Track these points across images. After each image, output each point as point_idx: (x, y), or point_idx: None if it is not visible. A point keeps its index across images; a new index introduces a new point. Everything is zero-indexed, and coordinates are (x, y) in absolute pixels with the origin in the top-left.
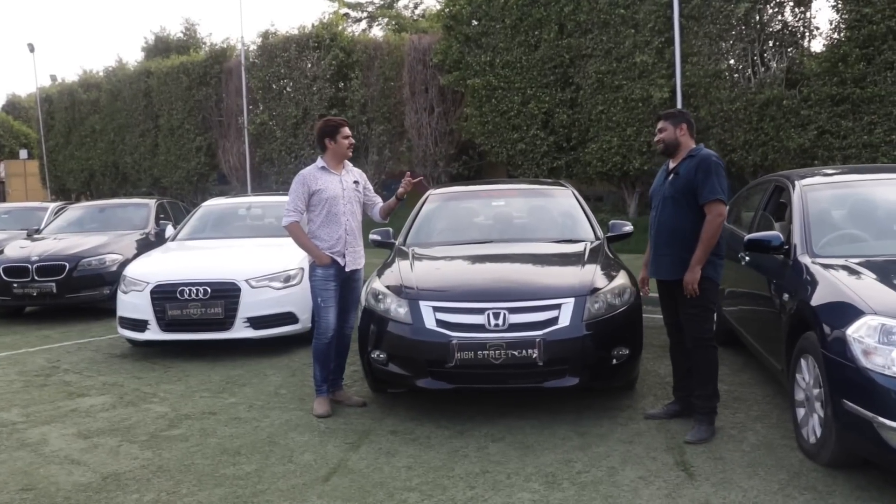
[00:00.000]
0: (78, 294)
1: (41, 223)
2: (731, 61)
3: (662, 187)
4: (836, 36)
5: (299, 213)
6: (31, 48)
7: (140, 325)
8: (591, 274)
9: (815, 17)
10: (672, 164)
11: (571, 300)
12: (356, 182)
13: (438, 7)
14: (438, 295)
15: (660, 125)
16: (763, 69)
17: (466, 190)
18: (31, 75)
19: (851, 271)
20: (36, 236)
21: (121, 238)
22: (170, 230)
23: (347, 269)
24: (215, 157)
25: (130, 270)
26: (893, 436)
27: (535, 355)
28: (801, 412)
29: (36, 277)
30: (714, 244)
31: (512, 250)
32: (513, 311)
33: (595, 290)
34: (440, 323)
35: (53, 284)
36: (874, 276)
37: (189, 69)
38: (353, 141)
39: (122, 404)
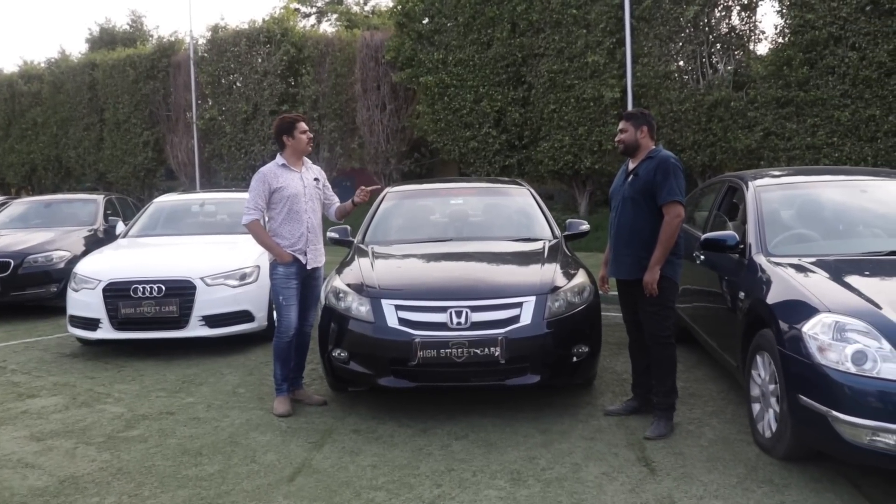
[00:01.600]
0: (23, 292)
1: None
2: (681, 63)
3: (622, 188)
4: (780, 40)
5: (259, 210)
6: None
7: (92, 324)
8: (552, 272)
9: (760, 22)
10: (632, 165)
11: (532, 298)
12: (316, 179)
13: (390, 4)
14: (400, 293)
15: (621, 125)
16: (711, 71)
17: (424, 188)
18: None
19: (805, 270)
20: None
21: (68, 234)
22: (120, 226)
23: (309, 267)
24: (163, 152)
25: (81, 268)
26: (846, 429)
27: (497, 353)
28: (756, 407)
29: None
30: (672, 245)
31: (472, 248)
32: (475, 309)
33: (555, 289)
34: (402, 321)
35: None
36: (827, 275)
37: (136, 62)
38: (311, 135)
39: (76, 405)
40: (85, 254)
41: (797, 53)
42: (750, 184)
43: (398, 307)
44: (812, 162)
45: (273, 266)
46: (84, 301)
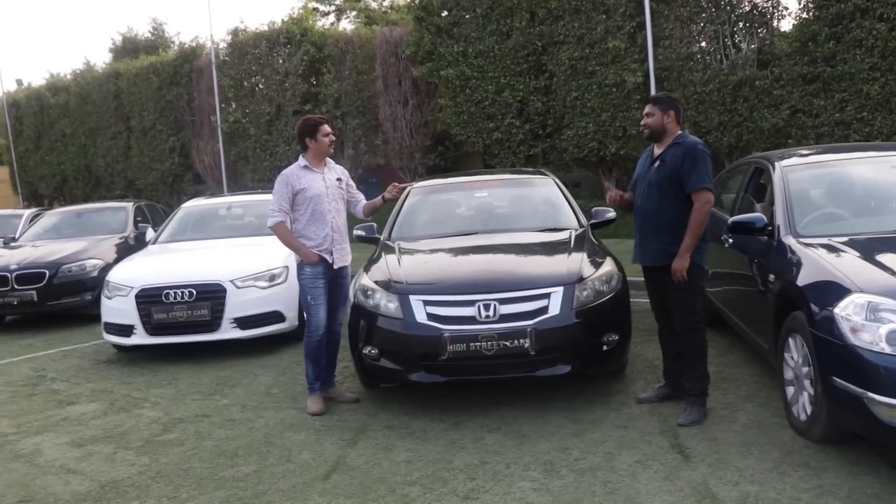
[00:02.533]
0: (59, 301)
1: (17, 231)
2: (703, 44)
3: (647, 174)
4: (805, 15)
5: (284, 213)
6: None
7: (126, 330)
8: (579, 262)
9: None
10: (657, 151)
11: (560, 289)
12: (339, 179)
13: None
14: (428, 288)
15: (647, 109)
16: (734, 51)
17: (448, 182)
18: None
19: (835, 250)
20: (13, 244)
21: (100, 243)
22: (150, 233)
23: (336, 267)
24: (189, 157)
25: (114, 275)
26: (882, 410)
27: (526, 345)
28: (790, 390)
29: (16, 286)
30: (702, 232)
31: (498, 241)
32: (503, 301)
33: (583, 278)
34: (431, 316)
35: (34, 292)
36: (858, 255)
37: (159, 69)
38: (333, 138)
39: (114, 410)
40: (117, 261)
41: (822, 28)
42: (776, 164)
43: (426, 302)
44: (842, 138)
45: (300, 266)
46: (117, 308)
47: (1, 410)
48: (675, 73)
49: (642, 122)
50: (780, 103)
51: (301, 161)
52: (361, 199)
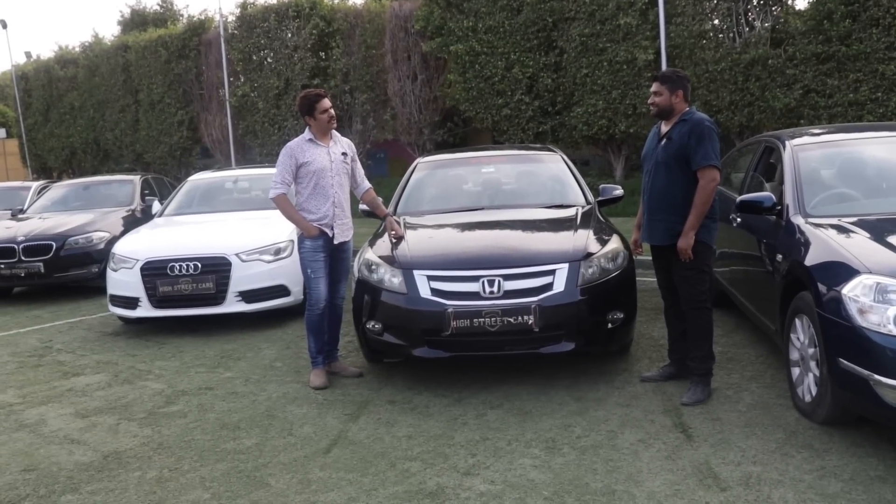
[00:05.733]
0: (66, 273)
1: (25, 203)
2: (716, 21)
3: (655, 152)
4: None
5: (286, 185)
6: (4, 25)
7: (131, 303)
8: (585, 239)
9: None
10: (664, 128)
11: (566, 265)
12: (344, 154)
13: None
14: (432, 263)
15: (655, 87)
16: (748, 29)
17: (455, 157)
18: (4, 53)
19: (844, 230)
20: (21, 216)
21: (107, 215)
22: (156, 206)
23: (336, 242)
24: (197, 130)
25: (119, 248)
26: (889, 392)
27: (530, 321)
28: (796, 371)
29: (23, 258)
30: (707, 209)
31: (504, 217)
32: (507, 277)
33: (589, 255)
34: (435, 292)
35: (41, 264)
36: (867, 235)
37: (167, 42)
38: (332, 114)
39: (118, 382)
40: (123, 234)
41: (838, 6)
42: (787, 143)
43: (430, 278)
44: (855, 119)
45: (300, 240)
46: (123, 280)
47: (7, 381)
48: (687, 50)
49: (650, 101)
50: (793, 83)
51: (307, 134)
52: (364, 182)
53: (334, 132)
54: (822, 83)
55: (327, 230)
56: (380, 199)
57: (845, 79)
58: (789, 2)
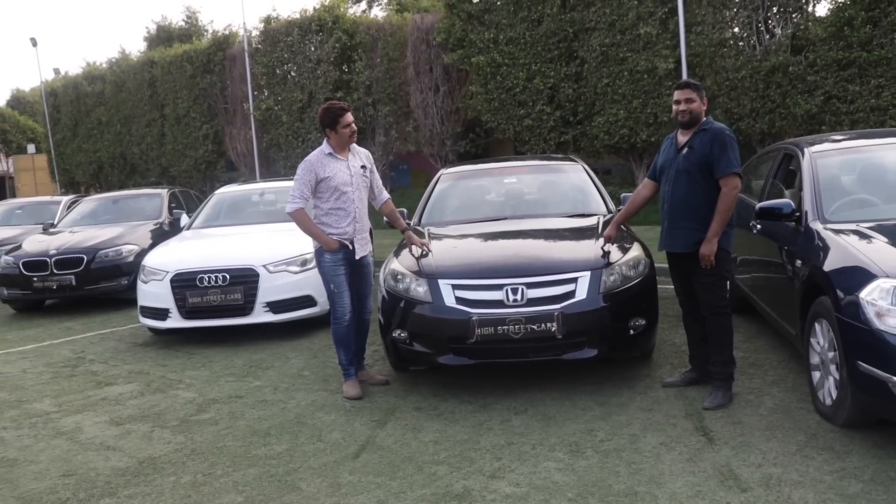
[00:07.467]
0: (97, 285)
1: (55, 217)
2: (736, 29)
3: (675, 161)
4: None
5: (305, 199)
6: (34, 42)
7: (161, 314)
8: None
9: None
10: (682, 138)
11: (588, 273)
12: (363, 167)
13: None
14: (457, 273)
15: (687, 95)
16: (768, 36)
17: (478, 168)
18: (34, 70)
19: (863, 236)
20: (52, 230)
21: (136, 229)
22: (184, 219)
23: (357, 256)
24: (222, 144)
25: (149, 260)
26: None
27: (553, 328)
28: (816, 375)
29: (55, 271)
30: (730, 216)
31: (526, 226)
32: (531, 285)
33: (610, 263)
34: (460, 300)
35: (72, 277)
36: (885, 240)
37: (192, 57)
38: (354, 128)
39: (150, 391)
40: (152, 247)
41: (859, 12)
42: (806, 150)
43: (455, 286)
44: (877, 125)
45: (319, 253)
46: (153, 292)
47: (43, 390)
48: (708, 59)
49: (682, 108)
50: (814, 89)
51: (325, 147)
52: (384, 195)
53: (353, 145)
54: (843, 89)
55: (347, 244)
56: (398, 211)
57: (867, 84)
58: (809, 9)
